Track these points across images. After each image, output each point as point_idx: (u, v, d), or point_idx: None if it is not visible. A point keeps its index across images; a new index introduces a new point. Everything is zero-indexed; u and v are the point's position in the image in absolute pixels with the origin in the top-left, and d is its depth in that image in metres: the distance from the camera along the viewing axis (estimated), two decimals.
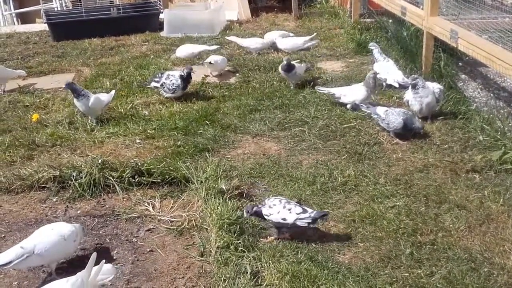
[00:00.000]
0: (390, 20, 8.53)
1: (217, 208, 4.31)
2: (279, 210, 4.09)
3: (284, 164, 5.15)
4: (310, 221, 4.03)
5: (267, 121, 6.08)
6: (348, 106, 6.23)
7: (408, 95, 5.97)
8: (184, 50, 8.35)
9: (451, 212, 4.37)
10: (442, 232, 4.15)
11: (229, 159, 5.31)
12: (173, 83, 6.72)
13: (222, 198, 4.46)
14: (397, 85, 6.57)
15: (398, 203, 4.48)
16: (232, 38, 8.75)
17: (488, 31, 6.14)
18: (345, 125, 5.89)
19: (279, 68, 7.08)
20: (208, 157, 5.35)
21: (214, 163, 5.11)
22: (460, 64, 7.17)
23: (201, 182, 4.77)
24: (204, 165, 5.07)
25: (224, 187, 4.56)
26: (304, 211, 4.06)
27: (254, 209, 4.18)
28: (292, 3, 10.63)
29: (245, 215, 4.22)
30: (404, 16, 7.48)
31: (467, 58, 6.86)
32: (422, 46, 6.92)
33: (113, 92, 6.46)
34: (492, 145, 5.22)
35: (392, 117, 5.46)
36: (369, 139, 5.56)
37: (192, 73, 6.83)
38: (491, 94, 6.50)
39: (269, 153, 5.40)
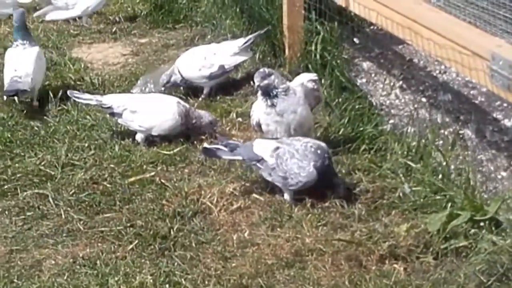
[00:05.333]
0: None
1: None
2: None
3: (5, 270, 3.51)
4: None
5: None
6: (138, 137, 4.03)
7: (260, 110, 3.75)
8: None
9: None
10: None
11: None
12: None
13: None
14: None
15: None
16: None
17: None
18: (132, 178, 3.87)
19: None
20: None
21: None
22: (357, 41, 5.13)
23: None
24: None
25: None
26: None
27: None
28: None
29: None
30: None
31: (371, 28, 5.04)
32: (281, 6, 4.94)
33: None
34: (426, 202, 3.51)
35: (294, 163, 3.58)
36: (178, 203, 3.64)
37: None
38: (422, 98, 4.47)
39: None
